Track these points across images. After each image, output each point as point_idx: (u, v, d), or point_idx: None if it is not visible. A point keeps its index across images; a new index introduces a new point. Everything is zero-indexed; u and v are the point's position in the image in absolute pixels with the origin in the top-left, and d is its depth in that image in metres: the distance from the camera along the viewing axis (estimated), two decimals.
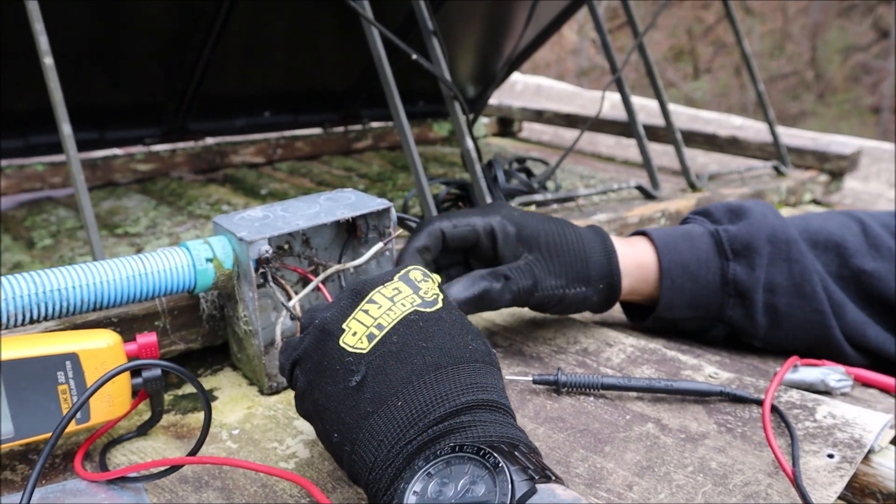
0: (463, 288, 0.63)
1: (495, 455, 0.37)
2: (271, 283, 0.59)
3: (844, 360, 0.69)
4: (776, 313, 0.69)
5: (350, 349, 0.45)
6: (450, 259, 0.69)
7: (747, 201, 0.75)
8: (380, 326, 0.45)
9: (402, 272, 0.49)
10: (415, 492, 0.38)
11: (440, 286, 0.50)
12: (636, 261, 0.70)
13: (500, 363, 0.49)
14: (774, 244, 0.70)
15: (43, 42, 0.70)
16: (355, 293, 0.47)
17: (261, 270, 0.59)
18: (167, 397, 0.63)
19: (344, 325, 0.46)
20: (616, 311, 0.83)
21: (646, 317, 0.74)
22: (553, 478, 0.38)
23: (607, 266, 0.68)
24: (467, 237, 0.65)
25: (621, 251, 0.69)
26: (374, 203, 0.65)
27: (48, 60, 0.70)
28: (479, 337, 0.47)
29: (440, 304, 0.47)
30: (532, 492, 0.36)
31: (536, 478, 0.36)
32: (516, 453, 0.38)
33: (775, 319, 0.70)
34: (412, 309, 0.46)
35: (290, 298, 0.59)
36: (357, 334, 0.45)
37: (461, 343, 0.45)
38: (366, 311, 0.46)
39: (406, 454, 0.40)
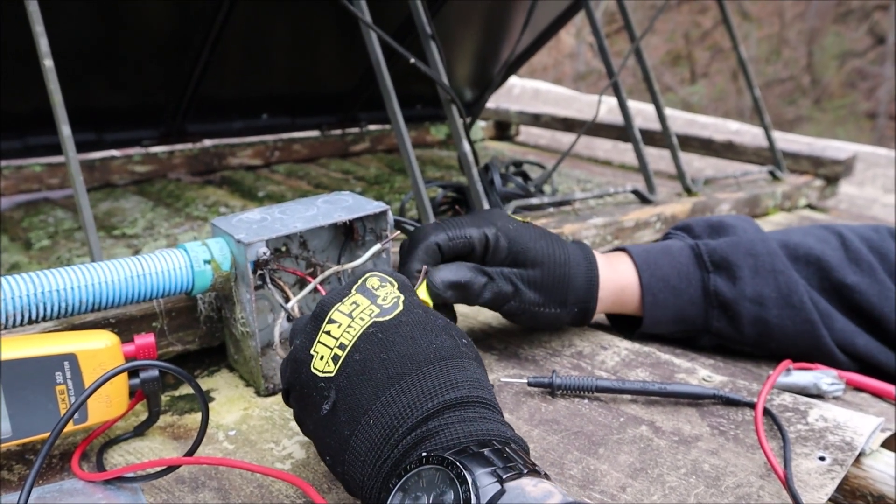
0: (450, 272, 0.63)
1: (457, 463, 0.37)
2: (269, 285, 0.59)
3: (837, 367, 0.69)
4: (767, 325, 0.70)
5: (320, 374, 0.45)
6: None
7: (728, 216, 0.76)
8: (342, 346, 0.45)
9: (359, 283, 0.48)
10: None
11: (401, 287, 0.49)
12: (617, 285, 0.71)
13: (476, 352, 0.48)
14: (756, 257, 0.70)
15: (43, 44, 0.71)
16: (315, 316, 0.47)
17: (259, 272, 0.59)
18: (164, 398, 0.64)
19: (311, 351, 0.46)
20: None
21: (633, 329, 0.75)
22: (525, 471, 0.37)
23: (586, 293, 0.68)
24: (462, 249, 0.65)
25: (604, 275, 0.70)
26: (371, 206, 0.65)
27: (48, 62, 0.71)
28: (445, 331, 0.47)
29: (401, 308, 0.47)
30: (500, 493, 0.36)
31: (505, 476, 0.36)
32: (485, 452, 0.38)
33: (766, 331, 0.70)
34: (371, 321, 0.46)
35: (288, 300, 0.59)
36: (324, 358, 0.45)
37: (424, 344, 0.45)
38: (328, 333, 0.46)
39: (384, 473, 0.41)
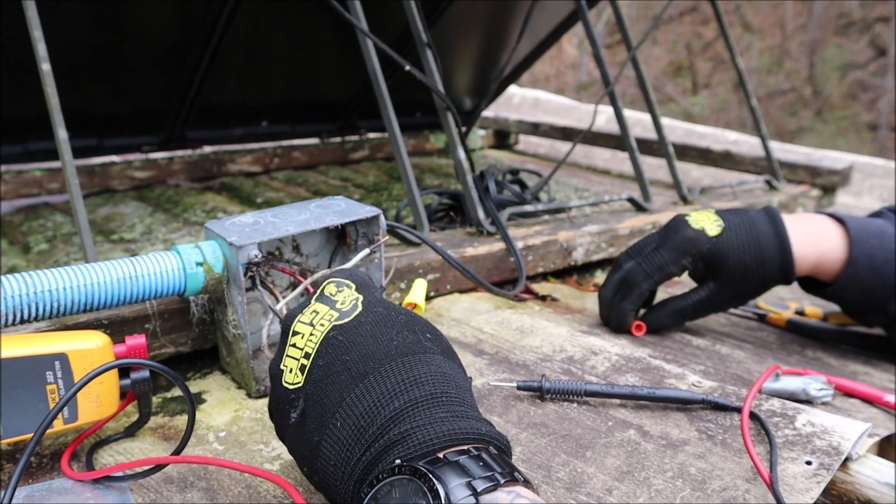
0: (659, 316, 0.80)
1: (430, 475, 0.36)
2: (259, 286, 0.60)
3: None
4: None
5: (290, 387, 0.45)
6: None
7: None
8: (307, 355, 0.45)
9: (317, 293, 0.49)
10: None
11: (360, 287, 0.49)
12: (817, 256, 0.77)
13: (445, 344, 0.47)
14: None
15: (41, 48, 0.72)
16: (283, 332, 0.48)
17: (249, 273, 0.60)
18: (155, 400, 0.64)
19: (281, 366, 0.46)
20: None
21: (815, 288, 0.80)
22: (503, 481, 0.36)
23: (781, 269, 0.76)
24: (666, 279, 0.78)
25: (799, 238, 0.76)
26: (364, 210, 0.66)
27: (45, 66, 0.72)
28: (406, 327, 0.46)
29: (360, 308, 0.47)
30: None
31: (480, 490, 0.35)
32: (461, 460, 0.37)
33: None
34: (330, 326, 0.46)
35: (278, 302, 0.60)
36: (292, 370, 0.46)
37: (385, 342, 0.44)
38: (293, 346, 0.46)
39: (355, 478, 0.40)
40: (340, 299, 0.48)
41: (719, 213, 0.79)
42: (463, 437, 0.39)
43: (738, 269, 0.76)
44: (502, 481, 0.36)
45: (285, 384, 0.46)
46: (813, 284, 0.80)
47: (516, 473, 0.38)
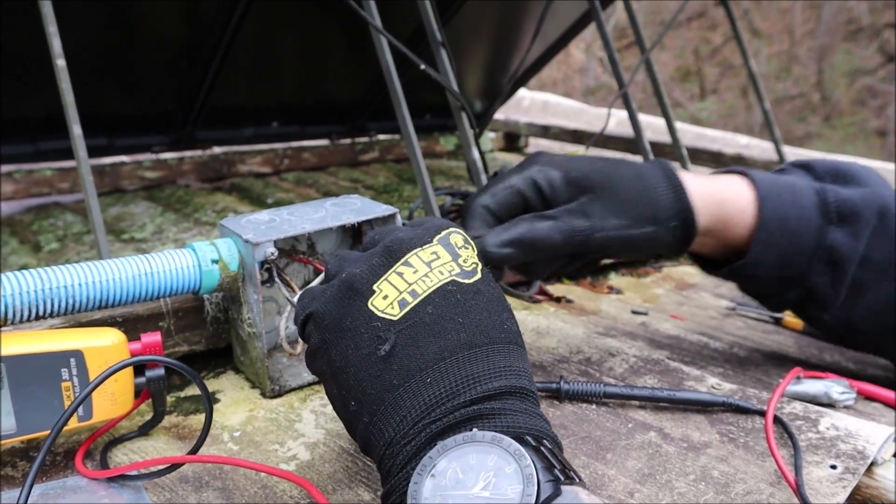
0: (500, 231, 0.58)
1: (522, 449, 0.35)
2: (276, 279, 0.59)
3: None
4: (860, 289, 0.63)
5: (379, 314, 0.42)
6: None
7: (853, 165, 0.67)
8: (414, 293, 0.42)
9: (443, 234, 0.45)
10: (433, 474, 0.36)
11: (479, 255, 0.47)
12: (715, 198, 0.62)
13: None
14: (883, 218, 0.63)
15: (56, 44, 0.71)
16: (390, 252, 0.44)
17: (266, 266, 0.59)
18: (170, 399, 0.63)
19: (375, 287, 0.42)
20: (621, 322, 0.83)
21: (716, 266, 0.68)
22: (577, 479, 0.36)
23: (675, 201, 0.61)
24: (513, 201, 0.60)
25: (694, 185, 0.62)
26: (380, 209, 0.65)
27: (61, 62, 0.71)
28: (513, 316, 0.45)
29: (479, 276, 0.44)
30: (556, 493, 0.34)
31: (562, 478, 0.35)
32: (542, 449, 0.37)
33: (857, 294, 0.64)
34: (450, 278, 0.43)
35: (296, 294, 0.59)
36: (388, 298, 0.42)
37: (497, 321, 0.43)
38: (400, 275, 0.43)
39: (429, 433, 0.39)
40: (464, 255, 0.45)
41: None
42: (545, 435, 0.39)
43: (607, 173, 0.59)
44: (577, 480, 0.36)
45: (373, 307, 0.42)
46: (712, 264, 0.68)
47: (584, 481, 0.39)
